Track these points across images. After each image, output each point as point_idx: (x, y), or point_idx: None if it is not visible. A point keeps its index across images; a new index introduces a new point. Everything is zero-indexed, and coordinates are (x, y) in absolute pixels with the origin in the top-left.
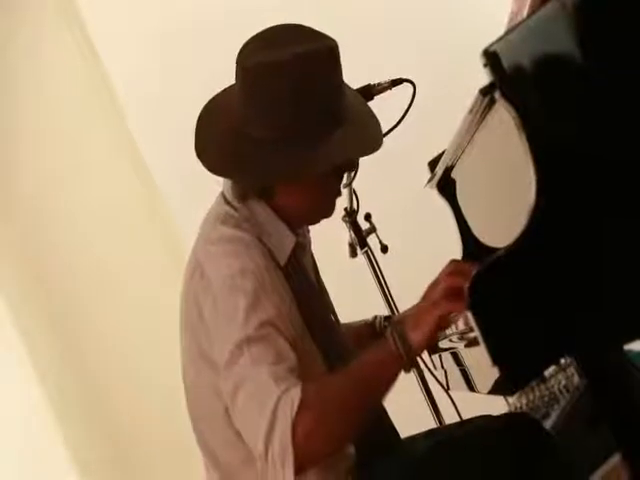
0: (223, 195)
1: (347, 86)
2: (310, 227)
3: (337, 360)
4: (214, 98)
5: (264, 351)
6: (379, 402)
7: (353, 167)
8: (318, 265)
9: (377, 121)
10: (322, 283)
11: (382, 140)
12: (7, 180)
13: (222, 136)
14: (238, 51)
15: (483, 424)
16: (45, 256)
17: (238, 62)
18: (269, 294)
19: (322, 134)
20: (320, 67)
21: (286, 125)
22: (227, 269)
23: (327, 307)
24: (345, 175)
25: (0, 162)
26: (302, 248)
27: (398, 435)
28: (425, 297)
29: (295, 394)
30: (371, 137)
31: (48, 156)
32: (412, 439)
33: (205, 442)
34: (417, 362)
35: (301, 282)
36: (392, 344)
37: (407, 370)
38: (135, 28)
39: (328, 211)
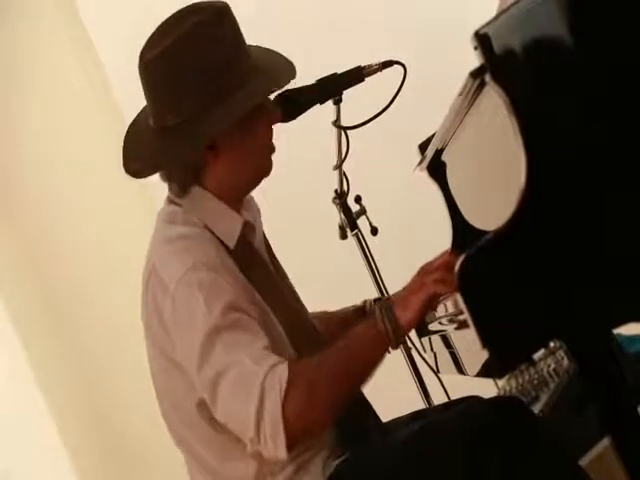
0: (167, 197)
1: (258, 47)
2: (299, 208)
3: (304, 343)
4: (135, 118)
5: (235, 335)
6: (366, 379)
7: (277, 117)
8: (307, 246)
9: (286, 59)
10: (279, 265)
11: (293, 67)
12: (4, 170)
13: (140, 142)
14: None
15: (467, 407)
16: (40, 242)
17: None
18: (226, 278)
19: (230, 92)
20: (201, 43)
21: (191, 104)
22: (180, 267)
23: (287, 288)
24: (336, 157)
25: None
26: (252, 229)
27: (379, 420)
28: (414, 279)
29: (282, 371)
30: (281, 70)
31: (47, 149)
32: (396, 421)
33: (185, 444)
34: (404, 340)
35: (254, 264)
36: (380, 321)
37: (394, 347)
38: (132, 24)
39: (266, 168)
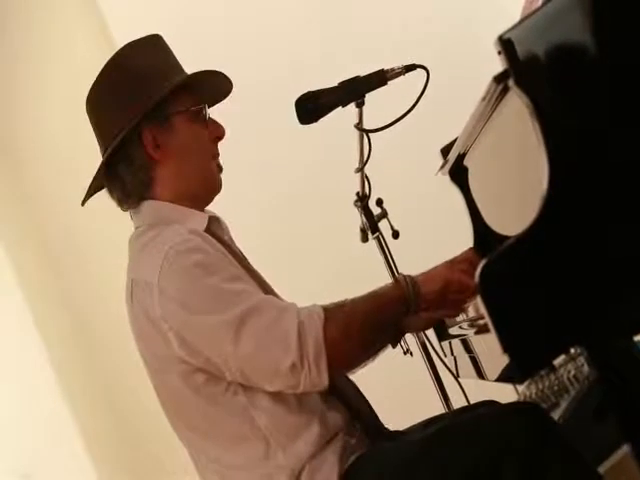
0: (134, 229)
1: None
2: (321, 211)
3: None
4: None
5: (246, 283)
6: (388, 333)
7: (219, 132)
8: (329, 249)
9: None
10: (251, 267)
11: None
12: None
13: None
14: None
15: (486, 412)
16: (63, 245)
17: None
18: (212, 252)
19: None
20: (125, 60)
21: (118, 120)
22: (156, 259)
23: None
24: (358, 160)
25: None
26: (218, 226)
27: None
28: (440, 264)
29: (316, 308)
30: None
31: (66, 147)
32: (413, 427)
33: (191, 443)
34: (424, 308)
35: (229, 252)
36: (403, 284)
37: (413, 312)
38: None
39: (211, 177)
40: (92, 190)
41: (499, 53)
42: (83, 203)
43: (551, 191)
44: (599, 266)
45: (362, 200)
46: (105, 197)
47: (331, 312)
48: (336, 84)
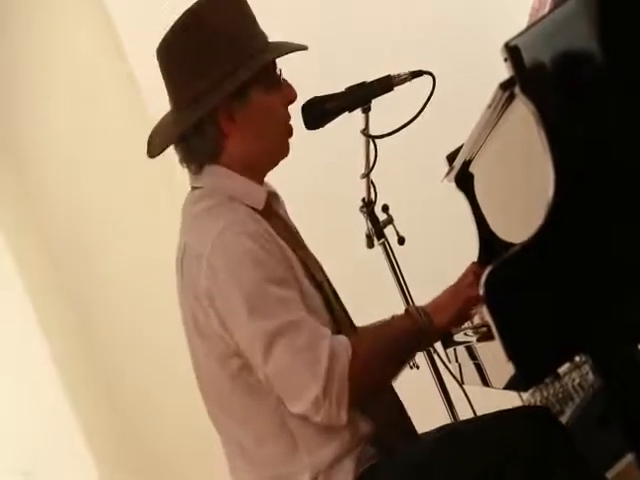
0: (191, 188)
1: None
2: (326, 216)
3: (333, 301)
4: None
5: (287, 292)
6: (405, 362)
7: (292, 94)
8: (334, 255)
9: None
10: (304, 243)
11: (302, 45)
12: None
13: (160, 126)
14: None
15: (495, 416)
16: (67, 243)
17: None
18: (265, 245)
19: (241, 61)
20: (213, 18)
21: (203, 78)
22: (212, 230)
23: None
24: (364, 165)
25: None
26: (276, 200)
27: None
28: (447, 288)
29: (346, 341)
30: (289, 44)
31: (73, 147)
32: (423, 435)
33: (223, 426)
34: (436, 338)
35: (284, 230)
36: (415, 314)
37: (427, 343)
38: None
39: (282, 147)
40: (161, 146)
41: (505, 60)
42: (153, 156)
43: (556, 198)
44: (604, 273)
45: (368, 206)
46: (108, 188)
47: (357, 347)
48: (343, 89)
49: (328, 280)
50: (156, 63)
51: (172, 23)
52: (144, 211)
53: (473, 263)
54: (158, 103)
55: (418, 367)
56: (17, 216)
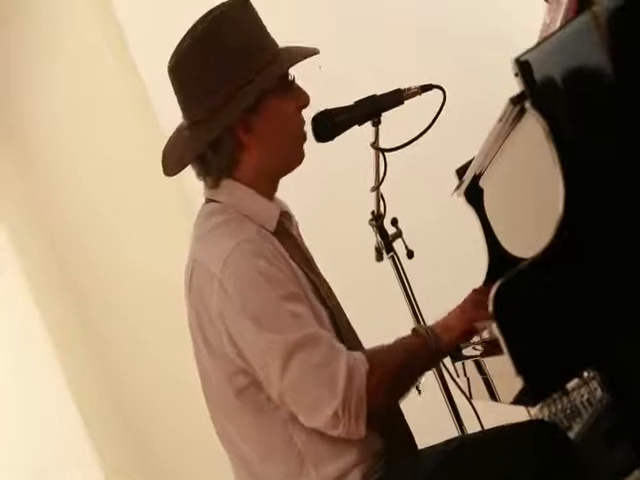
0: (205, 200)
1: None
2: (336, 229)
3: (342, 321)
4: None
5: (300, 307)
6: (416, 378)
7: (305, 99)
8: (343, 267)
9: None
10: (316, 265)
11: (314, 49)
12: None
13: (174, 143)
14: None
15: (503, 429)
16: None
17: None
18: (272, 258)
19: (257, 71)
20: (227, 28)
21: (218, 91)
22: (224, 249)
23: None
24: (373, 179)
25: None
26: (288, 219)
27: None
28: (455, 309)
29: (362, 357)
30: (302, 49)
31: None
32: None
33: (228, 439)
34: (442, 357)
35: (294, 249)
36: (424, 334)
37: (437, 359)
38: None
39: (298, 155)
40: (181, 163)
41: (516, 75)
42: (170, 175)
43: (566, 214)
44: (613, 288)
45: (377, 219)
46: (113, 185)
47: (373, 364)
48: (353, 102)
49: (339, 305)
50: (161, 58)
51: (176, 22)
52: (150, 209)
53: (474, 290)
54: (164, 99)
55: (420, 392)
56: (22, 213)
